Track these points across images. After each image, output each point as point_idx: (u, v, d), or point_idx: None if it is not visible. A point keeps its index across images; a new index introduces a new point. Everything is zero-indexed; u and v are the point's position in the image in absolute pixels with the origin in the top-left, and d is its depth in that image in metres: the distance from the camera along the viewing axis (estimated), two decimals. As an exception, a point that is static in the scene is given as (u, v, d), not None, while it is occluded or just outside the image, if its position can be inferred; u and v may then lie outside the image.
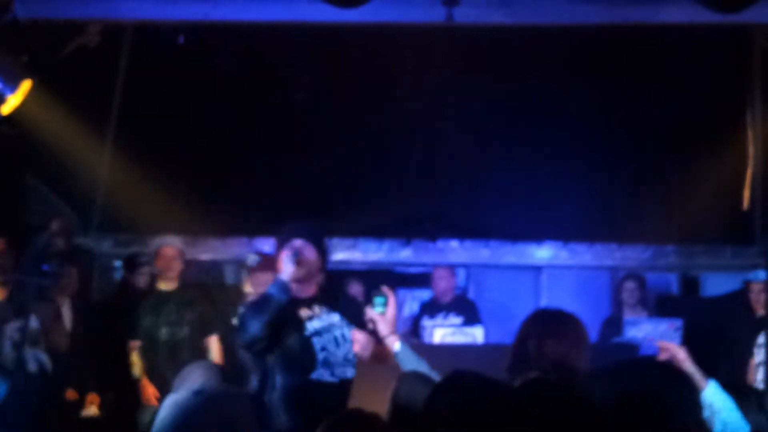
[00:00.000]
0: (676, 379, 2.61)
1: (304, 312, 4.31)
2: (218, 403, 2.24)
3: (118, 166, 7.90)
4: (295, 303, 4.27)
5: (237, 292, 6.79)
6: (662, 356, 3.39)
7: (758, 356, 6.47)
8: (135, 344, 6.42)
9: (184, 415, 2.19)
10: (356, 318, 4.33)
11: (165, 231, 7.96)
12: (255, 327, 4.10)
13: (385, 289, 4.03)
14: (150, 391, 6.34)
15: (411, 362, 3.75)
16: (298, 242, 4.31)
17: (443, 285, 7.69)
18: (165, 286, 6.54)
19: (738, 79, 7.42)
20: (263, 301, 4.16)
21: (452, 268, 8.01)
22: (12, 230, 6.54)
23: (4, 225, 6.53)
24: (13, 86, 5.80)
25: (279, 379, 4.26)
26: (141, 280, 7.06)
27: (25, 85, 5.84)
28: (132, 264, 7.22)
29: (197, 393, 2.24)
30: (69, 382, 6.35)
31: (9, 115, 5.89)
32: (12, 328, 5.18)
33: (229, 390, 2.57)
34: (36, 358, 5.89)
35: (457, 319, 7.51)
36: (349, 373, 4.32)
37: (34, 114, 6.39)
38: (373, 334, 4.04)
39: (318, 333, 4.30)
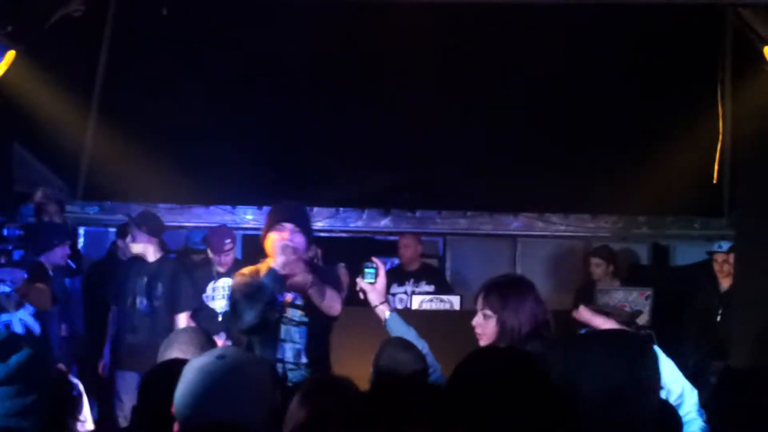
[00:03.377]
0: (645, 351, 2.53)
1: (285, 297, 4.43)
2: (242, 366, 2.25)
3: (102, 135, 7.97)
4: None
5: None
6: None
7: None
8: (113, 309, 6.61)
9: (210, 379, 2.19)
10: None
11: (149, 199, 8.08)
12: (251, 316, 4.24)
13: (375, 259, 4.09)
14: (102, 363, 6.57)
15: (400, 330, 3.83)
16: (288, 226, 4.38)
17: (410, 253, 7.82)
18: (149, 256, 6.59)
19: (710, 56, 7.57)
20: (258, 290, 4.24)
21: (418, 235, 8.14)
22: (0, 198, 6.60)
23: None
24: (-2, 56, 5.82)
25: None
26: (129, 249, 7.10)
27: (10, 55, 5.87)
28: (123, 233, 7.29)
29: (220, 356, 2.25)
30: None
31: (-6, 85, 5.91)
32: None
33: (249, 355, 2.57)
34: (21, 321, 5.89)
35: (429, 287, 7.66)
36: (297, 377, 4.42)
37: (20, 83, 6.42)
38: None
39: (285, 320, 4.44)
